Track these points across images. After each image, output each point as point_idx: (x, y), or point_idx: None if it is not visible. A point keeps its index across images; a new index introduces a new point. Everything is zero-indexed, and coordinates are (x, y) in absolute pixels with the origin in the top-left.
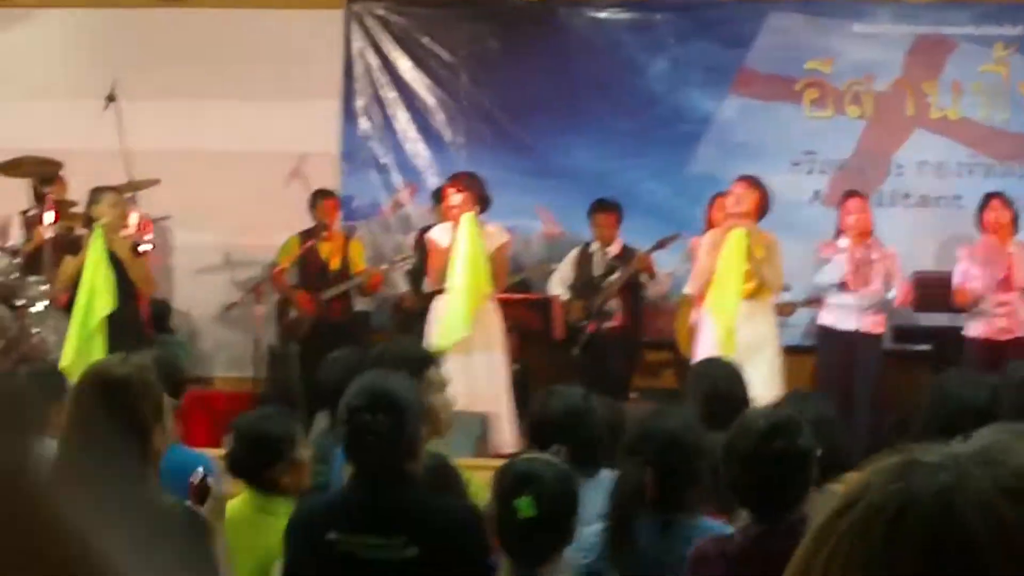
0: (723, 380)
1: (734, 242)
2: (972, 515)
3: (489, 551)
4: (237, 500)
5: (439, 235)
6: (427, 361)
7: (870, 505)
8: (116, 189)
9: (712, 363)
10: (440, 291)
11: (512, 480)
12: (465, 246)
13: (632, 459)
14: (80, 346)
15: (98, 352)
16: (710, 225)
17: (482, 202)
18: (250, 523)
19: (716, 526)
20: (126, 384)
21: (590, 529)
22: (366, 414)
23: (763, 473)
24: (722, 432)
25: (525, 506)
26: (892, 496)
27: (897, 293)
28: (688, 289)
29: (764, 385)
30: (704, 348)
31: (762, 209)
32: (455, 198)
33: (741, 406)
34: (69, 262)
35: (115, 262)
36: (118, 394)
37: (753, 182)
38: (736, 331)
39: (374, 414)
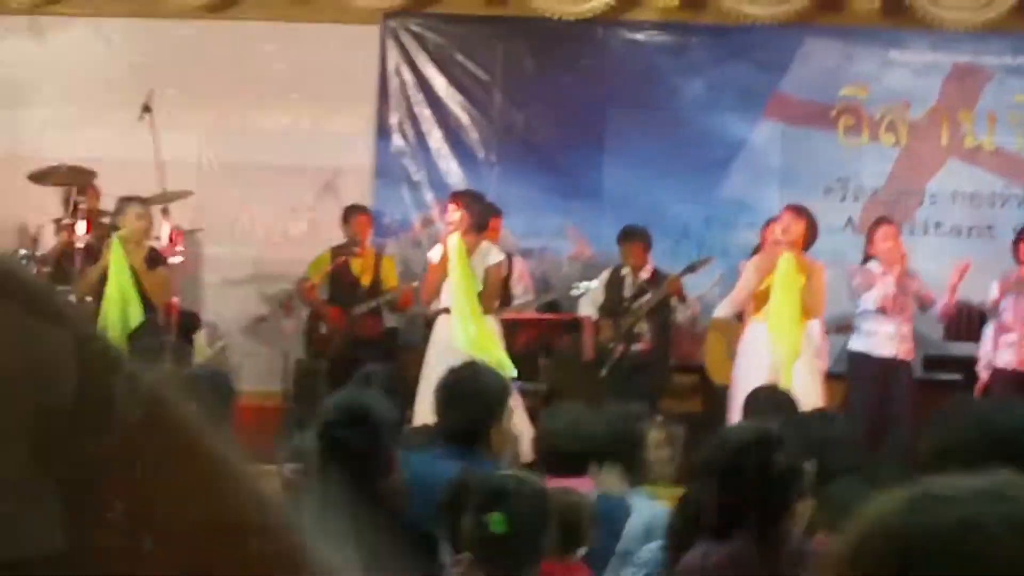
0: (784, 407)
1: (786, 266)
2: (988, 549)
3: None
4: None
5: (432, 254)
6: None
7: (887, 538)
8: (143, 200)
9: (769, 391)
10: (442, 310)
11: (485, 495)
12: (454, 268)
13: (697, 480)
14: None
15: None
16: (762, 248)
17: (480, 223)
18: None
19: None
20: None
21: (648, 546)
22: (342, 429)
23: (738, 487)
24: None
25: (496, 521)
26: (909, 529)
27: (940, 306)
28: (722, 310)
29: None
30: (747, 371)
31: (809, 238)
32: (452, 216)
33: None
34: (90, 270)
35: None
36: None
37: (800, 211)
38: (798, 351)
39: (350, 429)
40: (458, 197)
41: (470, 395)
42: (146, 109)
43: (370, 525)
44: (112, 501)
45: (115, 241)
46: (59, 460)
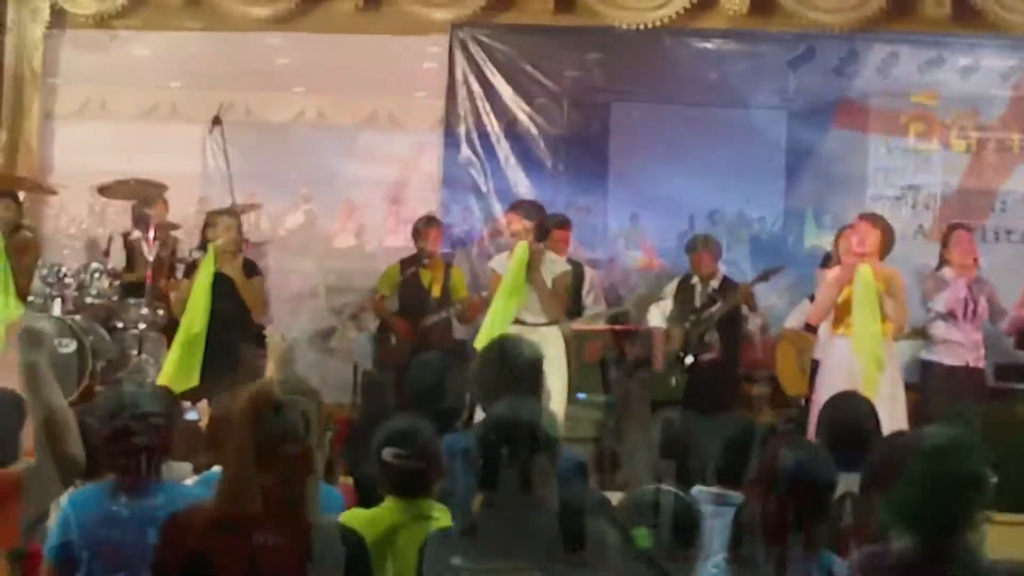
0: (861, 417)
1: (864, 280)
2: None
3: None
4: (384, 511)
5: (498, 265)
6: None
7: None
8: (232, 212)
9: (849, 398)
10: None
11: (635, 510)
12: (507, 273)
13: (753, 490)
14: (180, 364)
15: (195, 371)
16: (837, 258)
17: (542, 232)
18: (409, 530)
19: (838, 562)
20: (292, 405)
21: (713, 559)
22: (503, 447)
23: (942, 496)
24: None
25: (642, 536)
26: None
27: (1008, 320)
28: (794, 320)
29: (891, 423)
30: (831, 384)
31: (885, 246)
32: (516, 226)
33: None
34: (185, 285)
35: (228, 284)
36: (284, 415)
37: (876, 220)
38: (883, 364)
39: (511, 448)
40: (519, 208)
41: (509, 369)
42: (216, 122)
43: (531, 537)
44: None
45: (210, 252)
46: None
